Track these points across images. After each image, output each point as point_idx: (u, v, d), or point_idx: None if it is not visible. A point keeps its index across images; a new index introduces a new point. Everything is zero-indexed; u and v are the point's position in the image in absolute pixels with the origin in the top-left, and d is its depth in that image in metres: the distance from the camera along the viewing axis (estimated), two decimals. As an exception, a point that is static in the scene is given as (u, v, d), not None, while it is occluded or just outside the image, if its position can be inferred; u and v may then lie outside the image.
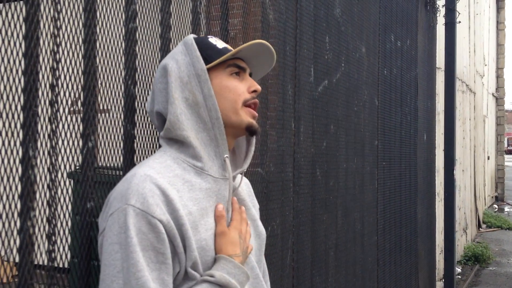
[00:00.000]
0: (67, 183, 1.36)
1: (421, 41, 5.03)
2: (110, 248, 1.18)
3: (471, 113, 11.11)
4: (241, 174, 1.44)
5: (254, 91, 1.39)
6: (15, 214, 1.19)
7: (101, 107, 1.44)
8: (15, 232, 1.19)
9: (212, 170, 1.34)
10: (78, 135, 1.35)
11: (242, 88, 1.38)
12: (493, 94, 16.89)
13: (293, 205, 2.47)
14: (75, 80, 1.35)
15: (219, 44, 1.40)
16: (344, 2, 3.11)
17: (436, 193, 6.46)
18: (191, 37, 1.39)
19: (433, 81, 5.65)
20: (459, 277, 7.65)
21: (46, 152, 1.26)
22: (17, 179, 1.18)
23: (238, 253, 1.30)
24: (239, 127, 1.38)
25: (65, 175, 1.32)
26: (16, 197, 1.18)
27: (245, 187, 1.53)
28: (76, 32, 1.34)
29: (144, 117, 1.55)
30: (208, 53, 1.36)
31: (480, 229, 12.05)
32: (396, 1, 4.25)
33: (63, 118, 1.32)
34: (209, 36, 1.43)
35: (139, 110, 1.53)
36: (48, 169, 1.26)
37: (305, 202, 2.59)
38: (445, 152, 5.43)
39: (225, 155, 1.35)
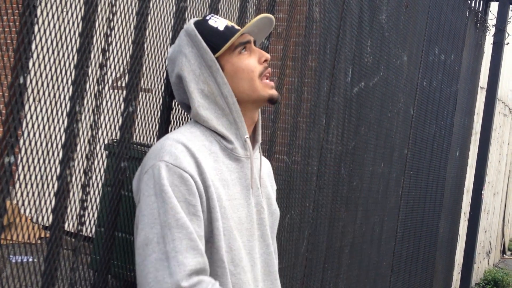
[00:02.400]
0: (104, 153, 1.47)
1: (466, 58, 5.02)
2: (148, 200, 1.28)
3: (510, 137, 10.94)
4: (260, 152, 1.53)
5: (265, 60, 1.45)
6: (54, 178, 1.30)
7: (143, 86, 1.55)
8: (47, 194, 1.31)
9: (237, 150, 1.43)
10: (121, 100, 1.46)
11: (253, 62, 1.43)
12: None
13: (314, 198, 2.55)
14: (123, 51, 1.46)
15: (220, 24, 1.44)
16: (392, 8, 3.16)
17: (463, 213, 6.43)
18: (193, 26, 1.43)
19: (473, 99, 5.62)
20: (476, 299, 7.59)
21: (90, 110, 1.37)
22: (62, 130, 1.30)
23: None
24: (261, 101, 1.45)
25: (105, 133, 1.43)
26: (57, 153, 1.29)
27: (265, 167, 1.62)
28: (130, 4, 1.45)
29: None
30: (213, 40, 1.41)
31: (504, 255, 11.87)
32: (445, 15, 4.26)
33: (109, 84, 1.44)
34: (208, 17, 1.46)
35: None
36: (91, 126, 1.38)
37: (326, 197, 2.66)
38: (475, 171, 5.41)
39: (246, 136, 1.43)
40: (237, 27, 1.47)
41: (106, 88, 1.42)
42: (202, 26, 1.44)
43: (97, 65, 1.38)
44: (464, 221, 6.49)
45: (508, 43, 5.52)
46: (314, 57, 2.40)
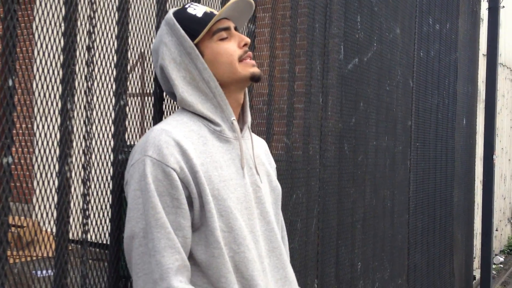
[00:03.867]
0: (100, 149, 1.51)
1: (462, 26, 5.00)
2: (133, 194, 1.34)
3: (519, 102, 10.85)
4: (250, 132, 1.56)
5: (245, 44, 1.47)
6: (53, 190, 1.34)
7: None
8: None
9: (225, 132, 1.46)
10: (111, 94, 1.50)
11: (232, 47, 1.46)
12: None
13: (319, 176, 2.58)
14: (107, 46, 1.50)
15: (199, 11, 1.47)
16: (378, -17, 3.17)
17: (479, 181, 6.42)
18: (171, 15, 1.46)
19: (475, 66, 5.60)
20: (501, 266, 7.57)
21: (82, 107, 1.42)
22: (56, 128, 1.35)
23: None
24: (243, 81, 1.47)
25: (98, 128, 1.48)
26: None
27: (259, 146, 1.64)
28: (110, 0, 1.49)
29: (172, 82, 1.69)
30: (191, 27, 1.44)
31: (528, 221, 11.79)
32: (435, -16, 4.26)
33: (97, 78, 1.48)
34: (187, 5, 1.49)
35: (168, 75, 1.67)
36: (84, 121, 1.42)
37: (331, 175, 2.69)
38: (484, 138, 5.40)
39: (232, 118, 1.46)
40: (216, 12, 1.50)
41: (95, 84, 1.46)
42: (181, 15, 1.47)
43: (83, 62, 1.42)
44: (481, 189, 6.48)
45: (503, 7, 5.50)
46: (303, 37, 2.43)
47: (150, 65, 1.61)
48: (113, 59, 1.50)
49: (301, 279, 2.35)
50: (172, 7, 1.66)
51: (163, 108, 1.66)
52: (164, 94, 1.65)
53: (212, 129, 1.45)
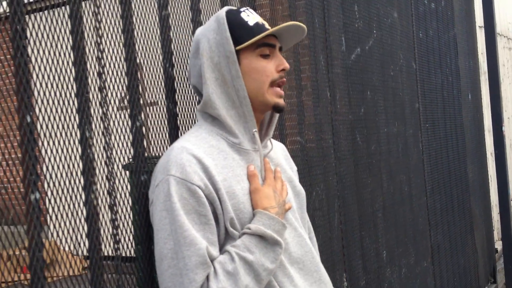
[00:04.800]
0: (123, 172, 1.51)
1: (456, 1, 4.98)
2: (160, 214, 1.33)
3: (520, 69, 10.80)
4: (271, 140, 1.56)
5: (283, 69, 1.46)
6: (81, 204, 1.35)
7: (146, 100, 1.59)
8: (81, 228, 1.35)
9: (244, 144, 1.46)
10: (127, 116, 1.50)
11: (270, 68, 1.45)
12: (544, 48, 16.28)
13: (336, 171, 2.57)
14: (118, 67, 1.50)
15: (251, 20, 1.45)
16: (371, -31, 3.16)
17: (489, 153, 6.39)
18: (224, 13, 1.45)
19: (473, 39, 5.58)
20: (521, 235, 7.53)
21: (100, 133, 1.42)
22: (78, 157, 1.35)
23: (273, 205, 1.42)
24: (265, 106, 1.47)
25: (119, 152, 1.48)
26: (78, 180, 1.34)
27: (281, 151, 1.65)
28: (115, 23, 1.48)
29: (184, 96, 1.69)
30: (239, 33, 1.43)
31: (541, 187, 11.76)
32: (426, -37, 4.24)
33: (112, 103, 1.48)
34: (242, 10, 1.48)
35: (178, 90, 1.67)
36: (104, 147, 1.42)
37: (347, 167, 2.69)
38: (492, 110, 5.38)
39: (254, 130, 1.46)
40: (267, 26, 1.48)
41: (110, 109, 1.46)
42: (233, 16, 1.45)
43: (96, 89, 1.42)
44: (493, 162, 6.46)
45: (495, -23, 5.46)
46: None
47: (147, 75, 1.60)
48: (124, 81, 1.50)
49: (330, 274, 2.34)
50: (176, 23, 1.65)
51: (177, 123, 1.65)
52: (178, 109, 1.65)
53: (231, 142, 1.44)
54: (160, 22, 1.63)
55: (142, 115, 1.52)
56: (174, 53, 1.66)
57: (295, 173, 1.68)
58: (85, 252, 1.36)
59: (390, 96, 3.27)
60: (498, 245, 6.31)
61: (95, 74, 1.41)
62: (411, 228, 3.41)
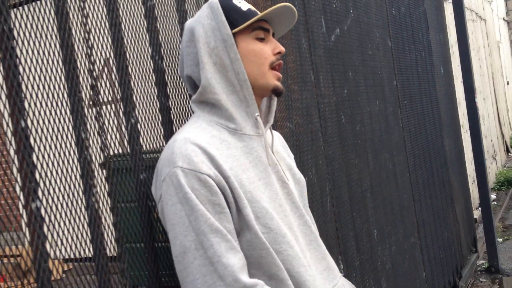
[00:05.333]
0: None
1: (424, -25, 4.99)
2: (173, 208, 1.28)
3: (484, 40, 10.98)
4: (270, 128, 1.53)
5: (279, 52, 1.45)
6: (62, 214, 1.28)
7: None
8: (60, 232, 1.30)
9: (246, 129, 1.42)
10: (121, 114, 1.44)
11: (267, 51, 1.44)
12: (503, 19, 16.58)
13: (325, 154, 2.55)
14: (107, 66, 1.44)
15: (244, 5, 1.45)
16: None
17: (461, 125, 6.48)
18: (217, 0, 1.43)
19: (442, 13, 5.62)
20: (495, 203, 7.71)
21: (96, 133, 1.36)
22: (75, 160, 1.29)
23: None
24: (265, 89, 1.45)
25: (116, 151, 1.42)
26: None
27: (278, 140, 1.62)
28: (102, 17, 1.42)
29: (176, 89, 1.64)
30: (234, 17, 1.42)
31: (509, 154, 12.04)
32: None
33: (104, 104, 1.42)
34: None
35: (170, 83, 1.61)
36: (100, 148, 1.36)
37: (335, 149, 2.67)
38: (464, 82, 5.44)
39: (256, 114, 1.43)
40: (259, 12, 1.48)
41: (104, 107, 1.40)
42: (226, 2, 1.44)
43: (88, 87, 1.36)
44: (464, 133, 6.56)
45: (460, -50, 5.49)
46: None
47: (137, 69, 1.54)
48: (115, 78, 1.44)
49: (326, 258, 2.34)
50: (162, 15, 1.59)
51: (171, 117, 1.60)
52: (170, 102, 1.59)
53: (232, 130, 1.40)
54: (146, 13, 1.57)
55: (136, 112, 1.47)
56: (163, 44, 1.60)
57: (293, 160, 1.65)
58: (65, 255, 1.30)
59: (370, 75, 3.26)
60: (477, 214, 6.43)
61: (86, 72, 1.35)
62: (398, 205, 3.43)
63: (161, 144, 1.56)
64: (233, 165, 1.36)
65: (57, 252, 1.27)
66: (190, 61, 1.45)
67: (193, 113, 1.49)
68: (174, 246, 1.29)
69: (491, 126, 10.04)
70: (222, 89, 1.40)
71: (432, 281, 3.88)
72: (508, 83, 15.13)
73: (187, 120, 1.66)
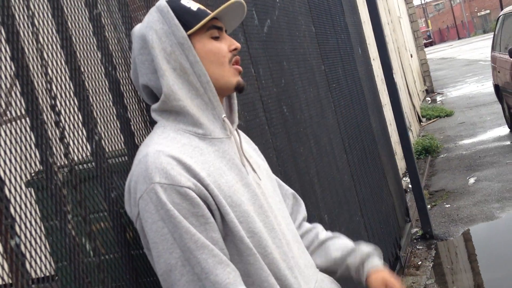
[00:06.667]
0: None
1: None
2: (155, 226, 1.23)
3: (387, 17, 11.40)
4: (236, 128, 1.50)
5: (235, 49, 1.43)
6: None
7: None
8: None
9: (215, 133, 1.39)
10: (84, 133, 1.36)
11: (224, 48, 1.41)
12: (400, -6, 17.30)
13: (273, 146, 2.55)
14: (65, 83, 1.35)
15: (193, 5, 1.41)
16: None
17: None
18: (165, 2, 1.38)
19: (352, -5, 5.76)
20: (417, 172, 8.06)
21: (63, 156, 1.27)
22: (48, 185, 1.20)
23: None
24: (228, 88, 1.43)
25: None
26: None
27: (244, 140, 1.60)
28: (50, 32, 1.33)
29: (132, 99, 1.57)
30: (185, 18, 1.37)
31: (422, 123, 12.64)
32: None
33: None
34: None
35: (126, 93, 1.54)
36: (70, 171, 1.28)
37: (282, 140, 2.67)
38: (380, 59, 5.62)
39: (223, 115, 1.40)
40: (209, 11, 1.44)
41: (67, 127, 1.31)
42: (174, 4, 1.39)
43: (49, 108, 1.27)
44: (390, 109, 6.80)
45: None
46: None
47: (92, 82, 1.46)
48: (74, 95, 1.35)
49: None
50: (109, 23, 1.52)
51: (132, 128, 1.53)
52: (129, 113, 1.52)
53: (202, 136, 1.37)
54: (92, 23, 1.48)
55: (99, 128, 1.39)
56: (113, 54, 1.52)
57: (260, 154, 1.65)
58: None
59: (301, 63, 3.29)
60: (404, 183, 6.70)
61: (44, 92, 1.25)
62: (341, 187, 3.50)
63: (122, 159, 1.49)
64: (210, 170, 1.32)
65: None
66: (145, 69, 1.39)
67: (153, 123, 1.44)
68: (159, 265, 1.25)
69: (403, 98, 10.46)
70: (185, 94, 1.36)
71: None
72: (411, 56, 15.84)
73: (149, 130, 1.59)
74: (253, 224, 1.35)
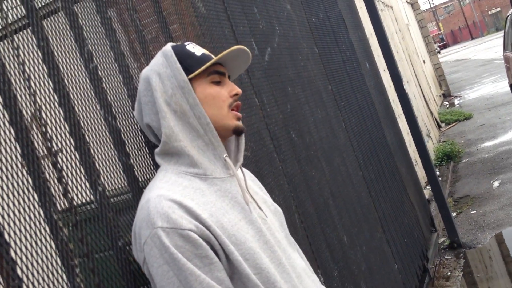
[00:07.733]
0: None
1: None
2: (160, 270, 1.25)
3: (395, 26, 11.41)
4: (240, 167, 1.52)
5: (236, 94, 1.46)
6: None
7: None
8: None
9: (216, 172, 1.41)
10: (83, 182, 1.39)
11: (224, 93, 1.45)
12: (407, 2, 17.31)
13: (284, 172, 2.56)
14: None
15: (197, 51, 1.46)
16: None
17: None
18: (170, 47, 1.44)
19: (355, 10, 5.79)
20: (440, 179, 7.98)
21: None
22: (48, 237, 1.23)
23: None
24: (227, 130, 1.46)
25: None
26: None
27: (248, 176, 1.62)
28: (46, 84, 1.37)
29: (134, 146, 1.60)
30: (188, 62, 1.42)
31: (441, 128, 12.53)
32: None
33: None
34: (186, 43, 1.49)
35: (127, 140, 1.57)
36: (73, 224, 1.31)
37: (292, 166, 2.69)
38: (389, 71, 5.62)
39: (224, 155, 1.42)
40: (213, 56, 1.48)
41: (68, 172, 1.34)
42: (179, 49, 1.44)
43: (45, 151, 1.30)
44: (397, 118, 6.76)
45: None
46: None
47: (92, 135, 1.50)
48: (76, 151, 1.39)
49: (307, 275, 2.34)
50: (104, 73, 1.56)
51: (135, 174, 1.56)
52: (132, 160, 1.55)
53: (203, 177, 1.39)
54: (89, 76, 1.52)
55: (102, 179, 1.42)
56: (113, 104, 1.56)
57: (266, 193, 1.66)
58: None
59: (307, 86, 3.31)
60: (427, 193, 6.63)
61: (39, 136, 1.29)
62: (358, 205, 3.49)
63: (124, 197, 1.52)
64: (212, 211, 1.34)
65: None
66: (149, 110, 1.44)
67: (157, 166, 1.47)
68: None
69: (419, 106, 10.41)
70: (186, 135, 1.40)
71: (405, 271, 3.97)
72: (424, 62, 15.78)
73: (153, 174, 1.62)
74: (259, 261, 1.36)
